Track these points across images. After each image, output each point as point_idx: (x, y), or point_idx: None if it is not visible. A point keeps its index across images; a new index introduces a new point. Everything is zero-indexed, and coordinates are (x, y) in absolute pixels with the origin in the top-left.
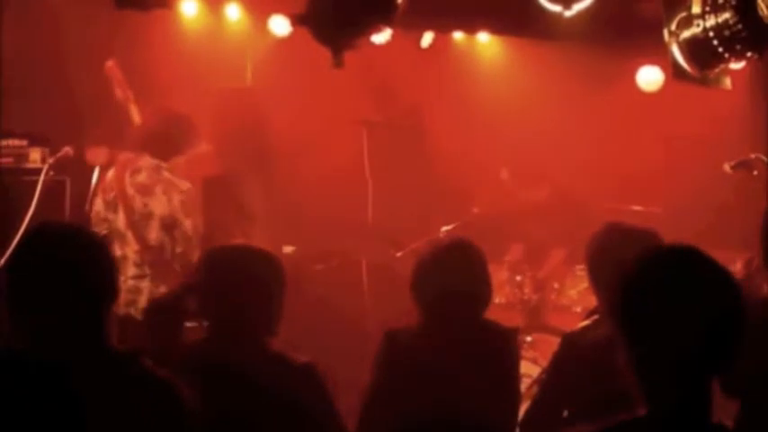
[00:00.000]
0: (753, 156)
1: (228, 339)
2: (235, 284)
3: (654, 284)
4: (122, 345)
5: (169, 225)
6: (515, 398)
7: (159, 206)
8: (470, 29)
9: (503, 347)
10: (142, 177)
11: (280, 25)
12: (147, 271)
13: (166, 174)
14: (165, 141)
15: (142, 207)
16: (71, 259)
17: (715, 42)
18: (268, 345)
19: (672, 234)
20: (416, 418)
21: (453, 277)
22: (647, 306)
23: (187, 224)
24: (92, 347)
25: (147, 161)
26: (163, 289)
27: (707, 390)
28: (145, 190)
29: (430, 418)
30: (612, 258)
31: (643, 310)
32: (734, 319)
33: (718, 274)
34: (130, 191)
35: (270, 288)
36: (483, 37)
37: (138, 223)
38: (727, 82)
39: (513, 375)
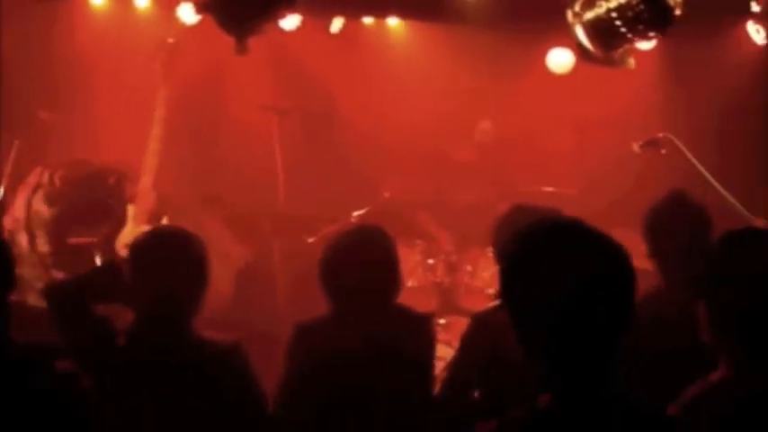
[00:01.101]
0: (660, 135)
1: (154, 322)
2: (158, 266)
3: (530, 259)
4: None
5: None
6: (431, 383)
7: None
8: (380, 14)
9: (417, 333)
10: None
11: (188, 13)
12: None
13: None
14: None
15: None
16: None
17: (618, 23)
18: (193, 326)
19: (585, 215)
20: (330, 409)
21: (361, 265)
22: (526, 282)
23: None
24: None
25: None
26: None
27: (607, 366)
28: None
29: (343, 408)
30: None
31: (523, 287)
32: (621, 288)
33: (600, 243)
34: None
35: (194, 269)
36: (393, 22)
37: None
38: (632, 62)
39: (427, 361)
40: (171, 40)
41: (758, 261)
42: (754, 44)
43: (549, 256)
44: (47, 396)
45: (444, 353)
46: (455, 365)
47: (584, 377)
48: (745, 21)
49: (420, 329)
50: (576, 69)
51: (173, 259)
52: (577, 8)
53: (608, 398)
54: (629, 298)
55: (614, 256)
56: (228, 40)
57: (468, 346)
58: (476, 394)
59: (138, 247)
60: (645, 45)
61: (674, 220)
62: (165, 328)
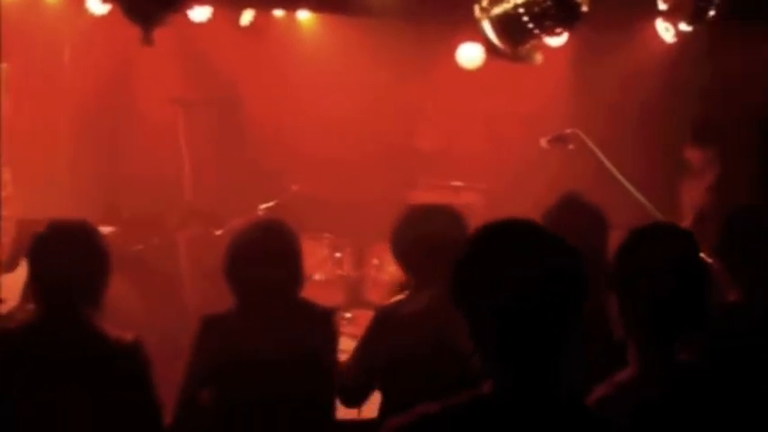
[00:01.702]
0: (569, 130)
1: (51, 313)
2: (55, 257)
3: (483, 257)
4: None
5: None
6: (333, 376)
7: None
8: (290, 6)
9: (320, 327)
10: None
11: (97, 4)
12: None
13: None
14: None
15: None
16: None
17: (525, 18)
18: (93, 323)
19: (497, 210)
20: (235, 403)
21: (264, 258)
22: (476, 281)
23: None
24: None
25: None
26: None
27: (551, 363)
28: None
29: (248, 402)
30: (411, 235)
31: (473, 285)
32: (570, 285)
33: (549, 241)
34: None
35: (92, 261)
36: (303, 15)
37: None
38: (538, 57)
39: (330, 355)
40: None
41: (667, 255)
42: (663, 42)
43: (499, 254)
44: None
45: (350, 346)
46: (355, 359)
47: (527, 370)
48: (654, 19)
49: (323, 323)
50: (486, 65)
51: (70, 250)
52: (485, 3)
53: (549, 392)
54: (577, 296)
55: (564, 254)
56: (137, 32)
57: (371, 338)
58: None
59: (37, 238)
60: (555, 42)
61: (563, 222)
62: (61, 319)
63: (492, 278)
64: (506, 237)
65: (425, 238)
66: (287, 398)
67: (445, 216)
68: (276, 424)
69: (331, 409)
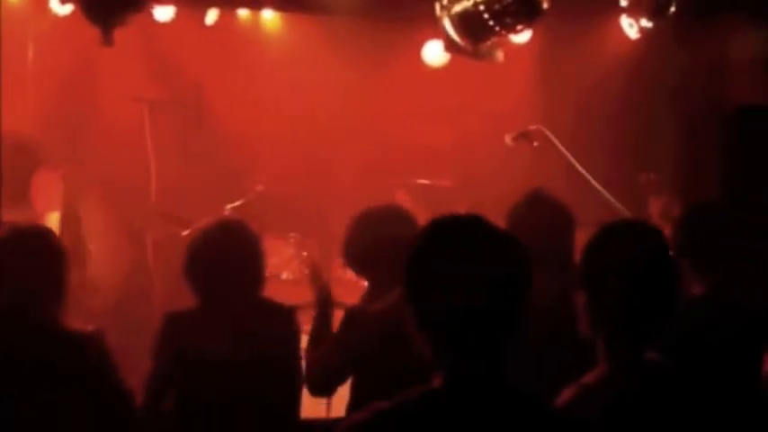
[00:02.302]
0: (533, 127)
1: (14, 319)
2: (12, 259)
3: (432, 254)
4: None
5: None
6: (296, 375)
7: None
8: (255, 6)
9: (281, 326)
10: None
11: (58, 4)
12: None
13: None
14: None
15: None
16: None
17: (486, 16)
18: (56, 320)
19: (461, 206)
20: (196, 402)
21: (223, 258)
22: (427, 277)
23: None
24: None
25: None
26: None
27: (500, 355)
28: None
29: (209, 402)
30: (370, 237)
31: (424, 281)
32: (518, 281)
33: (497, 237)
34: None
35: (51, 263)
36: (267, 14)
37: None
38: (500, 55)
39: (292, 353)
40: None
41: (635, 252)
42: (627, 38)
43: (443, 251)
44: None
45: None
46: (328, 349)
47: (474, 364)
48: (619, 15)
49: (284, 321)
50: (451, 62)
51: (27, 252)
52: (446, 1)
53: (495, 385)
54: (523, 289)
55: (511, 252)
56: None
57: (342, 338)
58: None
59: None
60: (520, 38)
61: (530, 219)
62: (20, 319)
63: (438, 276)
64: (451, 234)
65: (382, 240)
66: (249, 397)
67: (398, 217)
68: (238, 423)
69: (295, 409)
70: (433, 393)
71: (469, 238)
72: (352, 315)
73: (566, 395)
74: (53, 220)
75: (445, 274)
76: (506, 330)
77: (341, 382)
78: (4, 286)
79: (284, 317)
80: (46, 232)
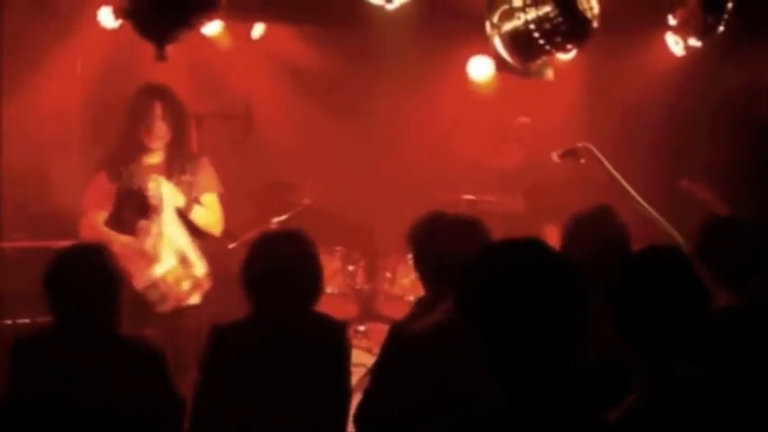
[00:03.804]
0: (580, 144)
1: (73, 331)
2: (74, 280)
3: (502, 280)
4: None
5: None
6: (345, 392)
7: None
8: (301, 22)
9: (332, 341)
10: None
11: (109, 17)
12: None
13: None
14: None
15: None
16: None
17: (536, 35)
18: (114, 332)
19: (504, 222)
20: (244, 416)
21: (282, 268)
22: (499, 302)
23: None
24: None
25: None
26: None
27: (567, 379)
28: None
29: (252, 413)
30: (436, 247)
31: (496, 306)
32: (582, 305)
33: (559, 262)
34: None
35: (108, 279)
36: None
37: None
38: (550, 73)
39: (342, 370)
40: None
41: (661, 289)
42: (672, 55)
43: (524, 280)
44: None
45: (365, 360)
46: (374, 377)
47: (540, 386)
48: (664, 32)
49: (335, 337)
50: (497, 77)
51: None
52: (496, 19)
53: (564, 408)
54: (583, 313)
55: (572, 275)
56: (148, 46)
57: (387, 357)
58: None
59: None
60: (566, 56)
61: (595, 233)
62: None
63: (505, 299)
64: (516, 256)
65: (446, 252)
66: (294, 412)
67: (466, 231)
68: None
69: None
70: (497, 415)
71: (529, 261)
72: (397, 332)
73: (610, 416)
74: None
75: (510, 296)
76: (567, 351)
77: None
78: (68, 300)
79: (336, 333)
80: (102, 248)
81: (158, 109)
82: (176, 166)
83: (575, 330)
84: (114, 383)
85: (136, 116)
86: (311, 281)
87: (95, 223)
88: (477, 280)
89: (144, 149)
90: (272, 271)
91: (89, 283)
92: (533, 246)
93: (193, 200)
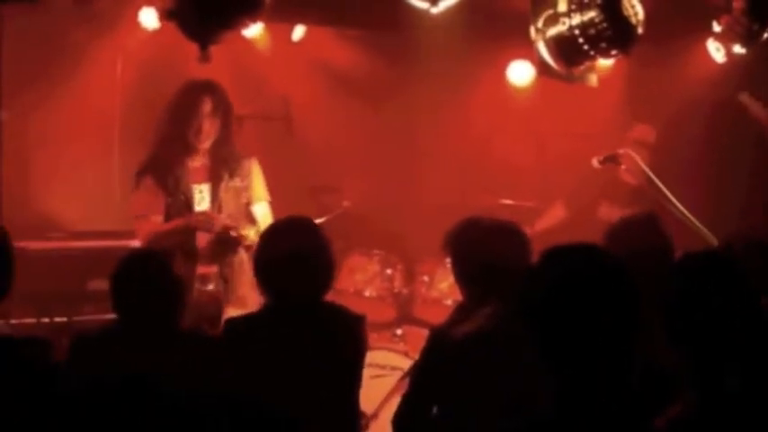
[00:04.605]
0: (621, 150)
1: (139, 329)
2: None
3: (566, 285)
4: None
5: None
6: (356, 385)
7: None
8: (341, 24)
9: (348, 332)
10: None
11: (150, 18)
12: None
13: None
14: None
15: None
16: None
17: (581, 40)
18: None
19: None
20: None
21: (294, 255)
22: (563, 306)
23: None
24: None
25: None
26: None
27: (618, 385)
28: None
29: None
30: (475, 253)
31: (559, 310)
32: (637, 310)
33: (620, 268)
34: None
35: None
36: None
37: None
38: (593, 79)
39: (355, 363)
40: None
41: (713, 298)
42: (713, 62)
43: (586, 286)
44: None
45: (401, 363)
46: (413, 381)
47: (587, 389)
48: (706, 39)
49: (350, 330)
50: (537, 82)
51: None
52: (540, 24)
53: (606, 411)
54: (635, 318)
55: (630, 280)
56: (189, 46)
57: (427, 361)
58: (434, 409)
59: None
60: (606, 61)
61: (641, 240)
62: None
63: (569, 303)
64: (578, 262)
65: (485, 257)
66: (305, 403)
67: (506, 236)
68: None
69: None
70: (546, 421)
71: (589, 272)
72: (437, 336)
73: (658, 425)
74: None
75: (573, 310)
76: (623, 357)
77: (427, 414)
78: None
79: (351, 326)
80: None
81: (208, 105)
82: (224, 169)
83: (629, 335)
84: (177, 379)
85: (182, 114)
86: (324, 268)
87: (155, 228)
88: (542, 285)
89: (190, 150)
90: (284, 258)
91: (155, 285)
92: (594, 251)
93: (244, 207)
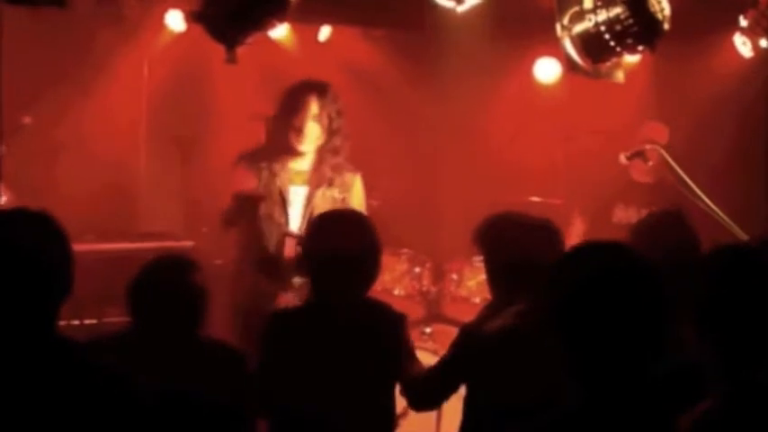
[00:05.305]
0: (648, 146)
1: (153, 337)
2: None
3: (592, 283)
4: None
5: None
6: (393, 384)
7: None
8: (368, 24)
9: (388, 331)
10: None
11: (176, 21)
12: None
13: None
14: None
15: None
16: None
17: (607, 36)
18: (199, 335)
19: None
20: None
21: (337, 244)
22: (588, 305)
23: None
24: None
25: None
26: None
27: (644, 382)
28: None
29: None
30: (505, 250)
31: (584, 309)
32: (664, 308)
33: (647, 266)
34: None
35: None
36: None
37: None
38: (620, 75)
39: (395, 361)
40: None
41: (746, 294)
42: (740, 57)
43: (613, 284)
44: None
45: (430, 361)
46: (438, 367)
47: (613, 387)
48: (732, 33)
49: (392, 328)
50: (563, 79)
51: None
52: (566, 21)
53: (633, 408)
54: (663, 318)
55: (658, 278)
56: (216, 48)
57: (455, 353)
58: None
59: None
60: (632, 57)
61: (668, 236)
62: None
63: (594, 302)
64: (604, 260)
65: (516, 254)
66: (344, 398)
67: (538, 233)
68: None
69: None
70: (571, 415)
71: (617, 270)
72: (467, 333)
73: (685, 423)
74: None
75: (599, 307)
76: (643, 354)
77: (445, 397)
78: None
79: (393, 323)
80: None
81: (314, 107)
82: (324, 178)
83: (656, 333)
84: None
85: (286, 114)
86: (370, 269)
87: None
88: (566, 283)
89: (291, 152)
90: (331, 258)
91: (173, 292)
92: (621, 249)
93: None
